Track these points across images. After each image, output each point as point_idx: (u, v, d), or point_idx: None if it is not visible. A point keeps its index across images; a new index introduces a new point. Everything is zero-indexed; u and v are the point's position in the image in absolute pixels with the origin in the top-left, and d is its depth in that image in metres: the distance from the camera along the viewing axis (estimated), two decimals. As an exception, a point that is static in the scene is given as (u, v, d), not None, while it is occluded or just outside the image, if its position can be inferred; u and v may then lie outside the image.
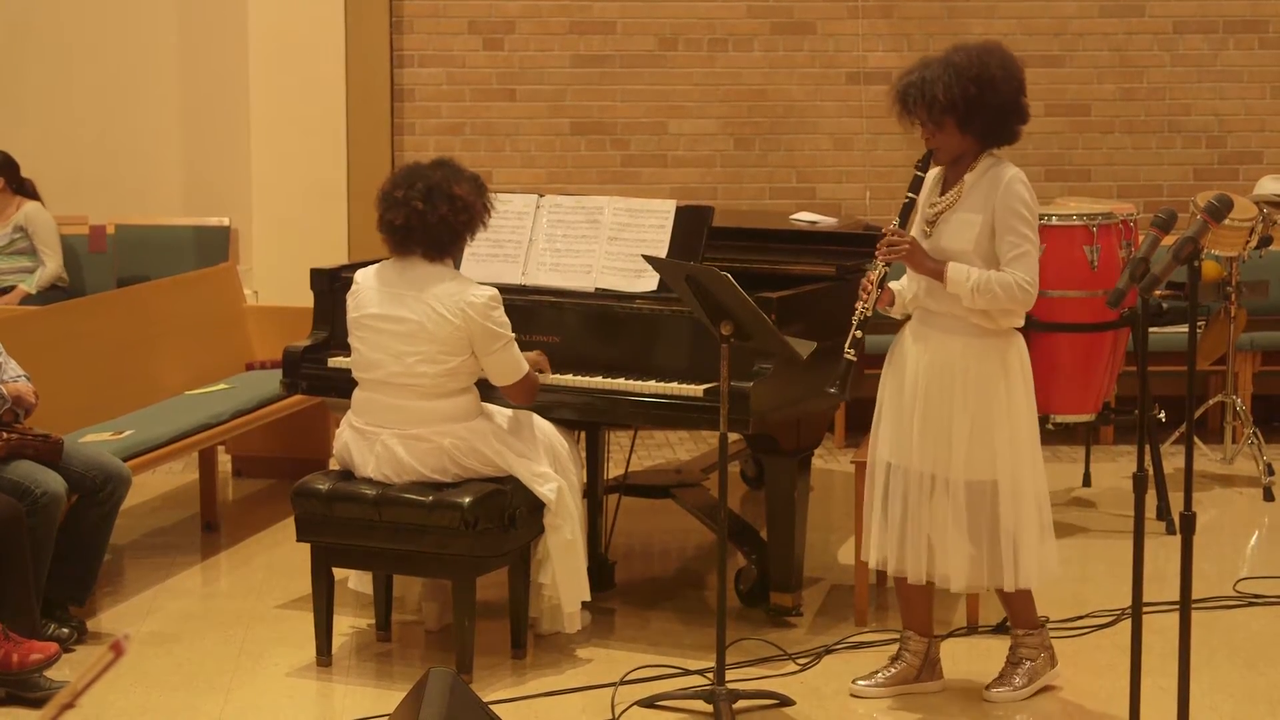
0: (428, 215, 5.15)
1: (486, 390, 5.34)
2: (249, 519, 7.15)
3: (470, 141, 8.97)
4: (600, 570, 5.94)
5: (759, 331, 4.85)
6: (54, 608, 5.49)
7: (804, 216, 6.76)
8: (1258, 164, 9.02)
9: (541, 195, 6.02)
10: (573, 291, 5.79)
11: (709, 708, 4.85)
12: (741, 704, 4.92)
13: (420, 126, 9.01)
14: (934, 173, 4.97)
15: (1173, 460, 7.36)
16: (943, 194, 4.94)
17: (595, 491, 6.01)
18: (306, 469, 5.99)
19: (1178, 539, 4.06)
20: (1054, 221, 6.69)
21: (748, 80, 9.05)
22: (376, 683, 5.23)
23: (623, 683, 5.09)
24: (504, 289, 5.33)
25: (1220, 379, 7.87)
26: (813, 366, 5.09)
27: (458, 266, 5.44)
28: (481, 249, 5.84)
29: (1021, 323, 4.94)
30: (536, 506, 5.29)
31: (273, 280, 8.66)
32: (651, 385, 5.49)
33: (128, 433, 6.25)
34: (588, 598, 5.46)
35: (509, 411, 5.37)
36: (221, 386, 7.20)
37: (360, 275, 5.34)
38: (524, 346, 5.31)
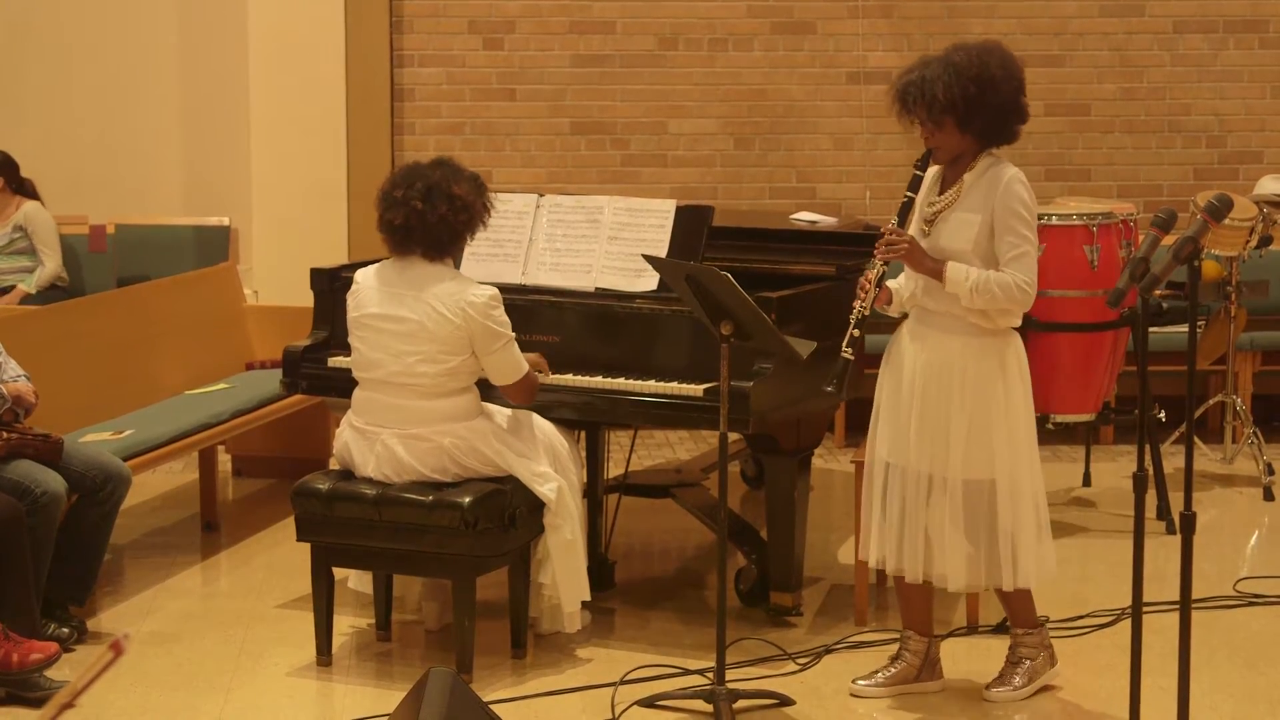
0: (427, 215, 5.15)
1: (486, 390, 5.34)
2: (249, 519, 7.15)
3: (470, 141, 8.97)
4: (600, 570, 5.94)
5: (759, 331, 4.85)
6: (54, 607, 5.49)
7: (804, 216, 6.76)
8: (1258, 164, 9.02)
9: (541, 195, 6.02)
10: (573, 291, 5.79)
11: (709, 707, 4.85)
12: (741, 704, 4.92)
13: (420, 126, 9.01)
14: (932, 172, 4.97)
15: (1173, 460, 7.36)
16: (941, 193, 4.94)
17: (595, 491, 6.01)
18: (306, 469, 5.99)
19: (1178, 539, 4.06)
20: (1054, 221, 6.69)
21: (748, 80, 9.05)
22: (376, 682, 5.24)
23: (623, 682, 5.09)
24: (504, 289, 5.33)
25: (1220, 379, 7.87)
26: (813, 366, 5.09)
27: (458, 266, 5.44)
28: (481, 249, 5.84)
29: (1019, 322, 4.95)
30: (536, 506, 5.29)
31: (273, 280, 8.66)
32: (651, 385, 5.49)
33: (128, 432, 6.25)
34: (588, 597, 5.46)
35: (509, 411, 5.37)
36: (221, 386, 7.20)
37: (360, 275, 5.34)
38: (524, 346, 5.31)
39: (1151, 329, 7.22)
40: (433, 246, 5.18)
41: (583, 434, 5.93)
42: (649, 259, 5.25)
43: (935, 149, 4.90)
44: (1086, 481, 7.54)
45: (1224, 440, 7.86)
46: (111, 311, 7.12)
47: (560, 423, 5.52)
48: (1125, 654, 4.32)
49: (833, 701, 5.05)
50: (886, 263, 4.87)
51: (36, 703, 4.93)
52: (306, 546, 5.37)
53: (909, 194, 4.90)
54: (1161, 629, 5.23)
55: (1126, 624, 4.70)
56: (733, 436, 5.08)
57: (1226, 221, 6.50)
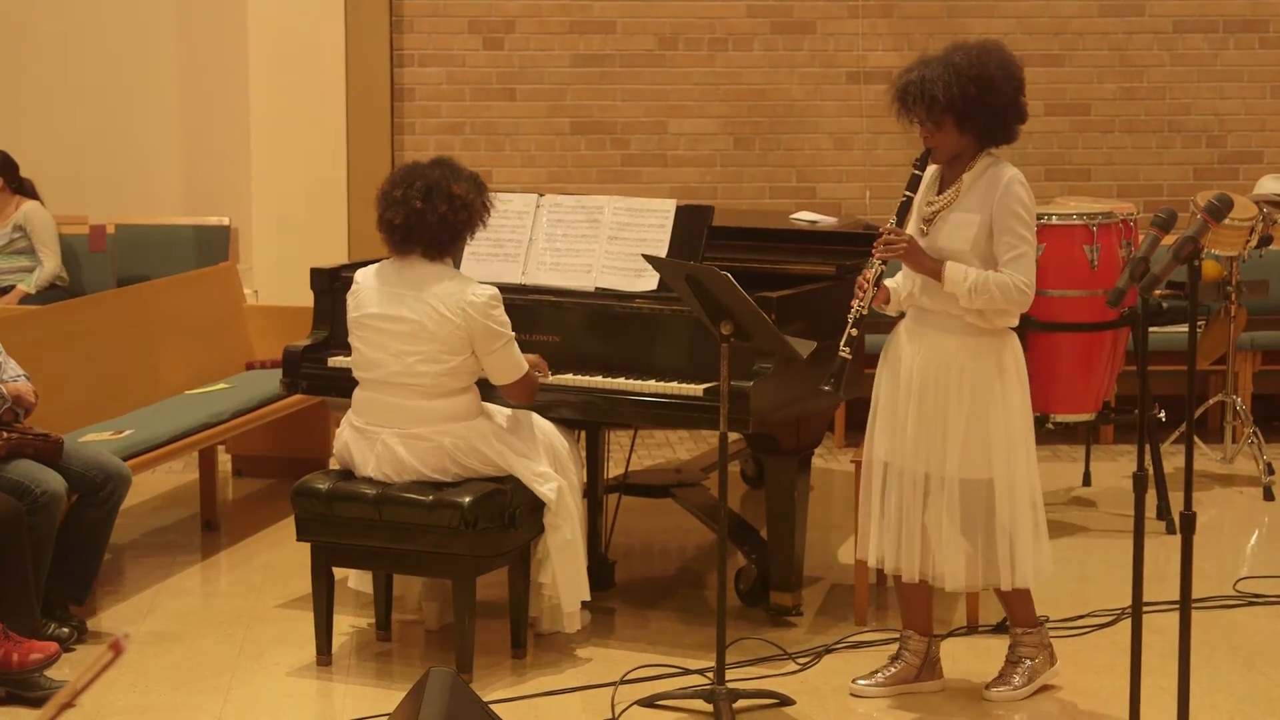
0: (427, 214, 5.15)
1: (486, 390, 5.34)
2: (249, 518, 7.15)
3: (470, 141, 8.97)
4: (600, 570, 5.94)
5: (759, 331, 4.85)
6: (54, 607, 5.49)
7: (804, 216, 6.76)
8: (1258, 163, 9.02)
9: (541, 195, 6.02)
10: (573, 291, 5.79)
11: (709, 707, 4.85)
12: (741, 703, 4.91)
13: (420, 126, 9.01)
14: (931, 171, 4.97)
15: (1173, 460, 7.36)
16: (940, 193, 4.94)
17: (595, 491, 6.01)
18: (306, 468, 5.99)
19: (1178, 538, 4.06)
20: (1054, 221, 6.70)
21: (748, 80, 9.06)
22: (376, 682, 5.23)
23: (623, 682, 5.09)
24: (504, 288, 5.33)
25: (1220, 378, 7.88)
26: (813, 366, 5.09)
27: (458, 266, 5.44)
28: (482, 248, 5.84)
29: (1016, 322, 4.95)
30: (536, 506, 5.29)
31: (273, 280, 8.67)
32: (651, 385, 5.49)
33: (128, 432, 6.25)
34: (587, 597, 5.46)
35: (509, 411, 5.37)
36: (221, 386, 7.20)
37: (360, 275, 5.34)
38: (524, 346, 5.31)
39: (1151, 329, 7.22)
40: (432, 246, 5.18)
41: (583, 434, 5.93)
42: (649, 259, 5.25)
43: (934, 148, 4.90)
44: (1086, 481, 7.54)
45: (1224, 440, 7.86)
46: (111, 311, 7.12)
47: (560, 422, 5.52)
48: (1125, 654, 4.32)
49: (833, 701, 5.05)
50: (885, 262, 4.87)
51: (36, 702, 4.93)
52: (306, 546, 5.37)
53: (907, 193, 4.90)
54: (1161, 629, 5.23)
55: (1126, 624, 4.70)
56: (733, 436, 5.08)
57: (1226, 221, 6.50)
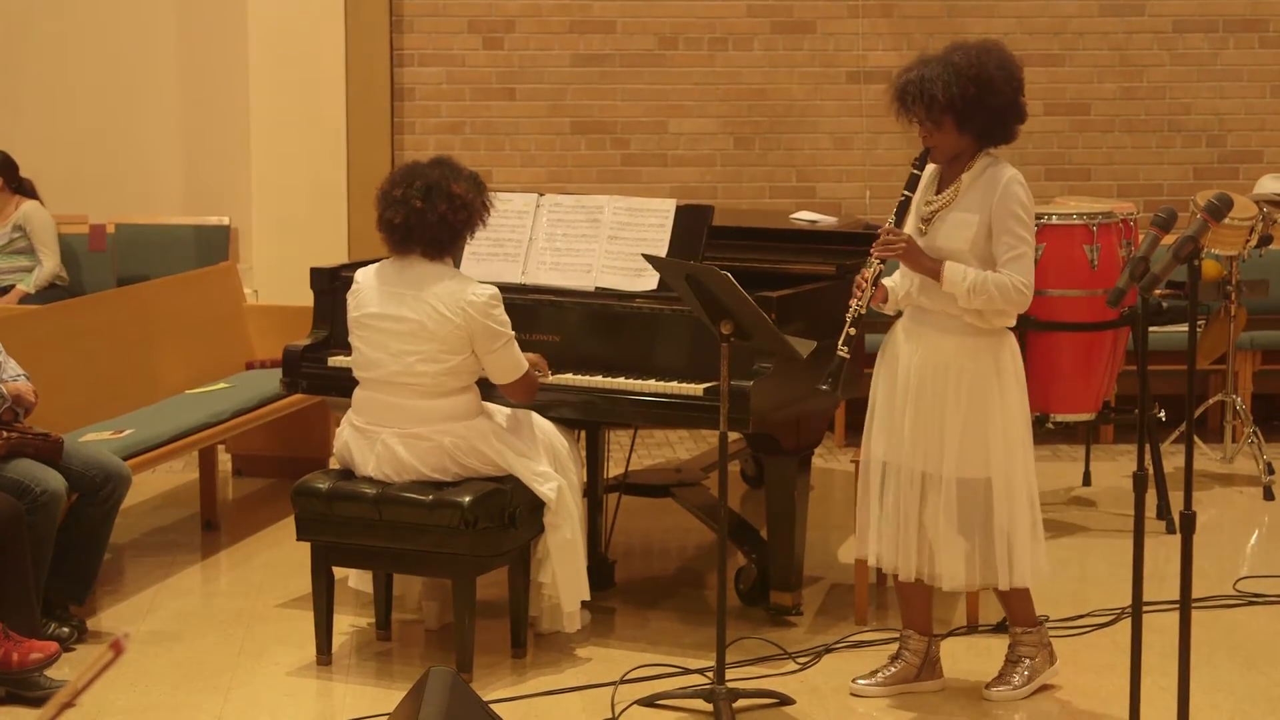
0: (427, 214, 5.14)
1: (486, 389, 5.34)
2: (249, 518, 7.15)
3: (470, 140, 8.97)
4: (600, 569, 5.94)
5: (759, 330, 4.85)
6: (54, 607, 5.49)
7: (804, 215, 6.76)
8: (1258, 163, 9.03)
9: (541, 194, 6.02)
10: (573, 290, 5.79)
11: (709, 707, 4.85)
12: (741, 703, 4.91)
13: (420, 125, 9.01)
14: (929, 170, 4.97)
15: (1173, 459, 7.36)
16: (939, 192, 4.94)
17: (595, 490, 6.01)
18: (307, 468, 5.99)
19: (1178, 538, 4.06)
20: (1054, 220, 6.70)
21: (748, 79, 9.06)
22: (376, 682, 5.23)
23: (622, 682, 5.09)
24: (504, 288, 5.33)
25: (1220, 378, 7.88)
26: (813, 365, 5.09)
27: (458, 265, 5.44)
28: (482, 248, 5.84)
29: (1013, 322, 4.95)
30: (536, 506, 5.29)
31: (273, 279, 8.67)
32: (651, 384, 5.49)
33: (128, 432, 6.25)
34: (587, 597, 5.46)
35: (509, 410, 5.37)
36: (221, 385, 7.20)
37: (360, 274, 5.34)
38: (524, 346, 5.31)
39: (1151, 328, 7.22)
40: (432, 245, 5.18)
41: (583, 433, 5.93)
42: (649, 258, 5.24)
43: (933, 148, 4.90)
44: (1086, 481, 7.54)
45: (1224, 439, 7.86)
46: (111, 311, 7.12)
47: (560, 422, 5.52)
48: (1125, 653, 4.32)
49: (833, 701, 5.05)
50: (883, 261, 4.87)
51: (36, 702, 4.93)
52: (306, 546, 5.37)
53: (906, 193, 4.90)
54: (1161, 628, 5.23)
55: (1126, 623, 4.70)
56: (733, 436, 5.08)
57: (1226, 221, 6.50)
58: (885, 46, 8.97)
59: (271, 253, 8.86)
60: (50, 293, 8.40)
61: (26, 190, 8.63)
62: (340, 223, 8.89)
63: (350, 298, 5.33)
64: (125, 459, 5.84)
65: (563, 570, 5.35)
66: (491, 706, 4.40)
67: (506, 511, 5.19)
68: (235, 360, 7.63)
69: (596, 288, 5.79)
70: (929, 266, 4.84)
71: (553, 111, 9.03)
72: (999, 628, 5.46)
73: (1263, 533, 7.03)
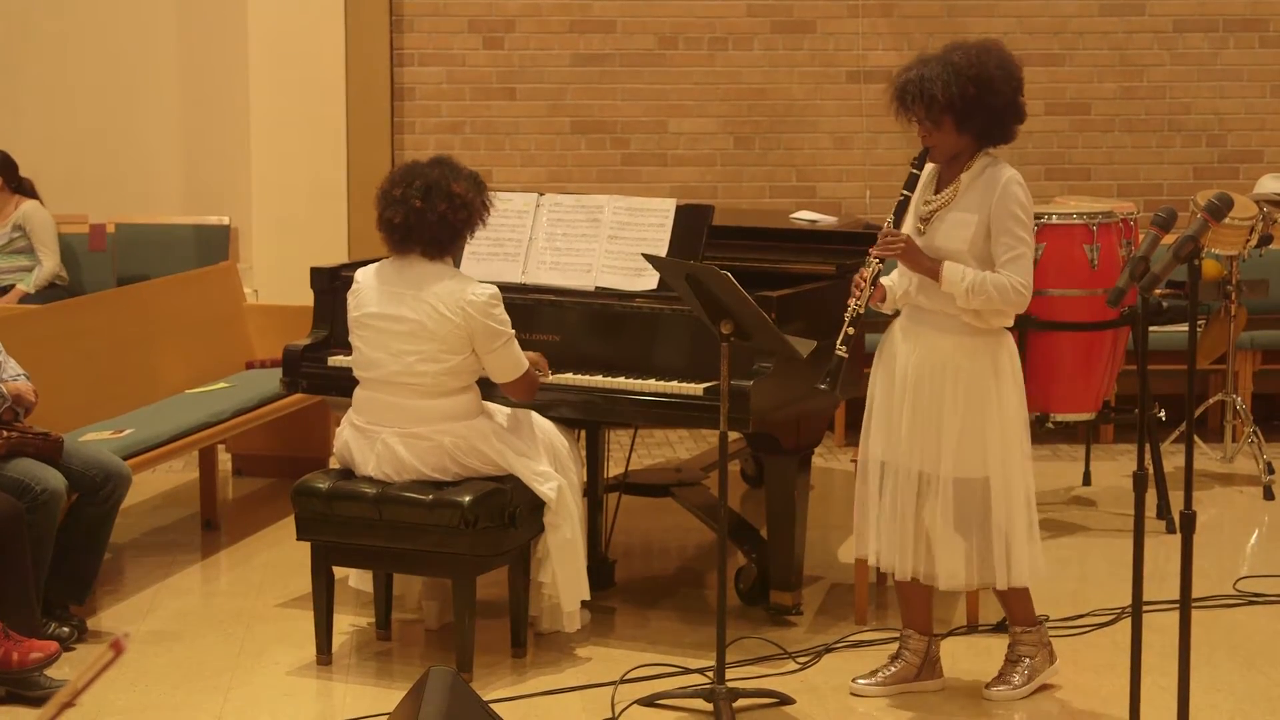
0: (426, 213, 5.14)
1: (487, 389, 5.34)
2: (249, 517, 7.15)
3: (470, 140, 8.97)
4: (600, 569, 5.94)
5: (759, 330, 4.85)
6: (54, 606, 5.49)
7: (804, 215, 6.76)
8: (1258, 162, 9.03)
9: (541, 194, 6.02)
10: (573, 290, 5.79)
11: (709, 706, 4.85)
12: (741, 702, 4.91)
13: (420, 125, 9.01)
14: (927, 170, 4.97)
15: (1173, 459, 7.36)
16: (937, 192, 4.94)
17: (595, 490, 6.01)
18: (307, 467, 5.99)
19: (1178, 538, 4.06)
20: (1054, 220, 6.70)
21: (748, 79, 9.06)
22: (376, 681, 5.23)
23: (622, 681, 5.09)
24: (504, 287, 5.33)
25: (1220, 378, 7.88)
26: (813, 365, 5.09)
27: (458, 265, 5.44)
28: (482, 248, 5.84)
29: (1011, 322, 4.95)
30: (536, 505, 5.29)
31: (273, 279, 8.67)
32: (651, 384, 5.49)
33: (128, 431, 6.25)
34: (587, 596, 5.46)
35: (509, 410, 5.37)
36: (221, 385, 7.20)
37: (360, 274, 5.34)
38: (524, 345, 5.31)
39: (1151, 328, 7.22)
40: (432, 245, 5.18)
41: (583, 433, 5.93)
42: (649, 258, 5.24)
43: (932, 147, 4.90)
44: (1086, 480, 7.54)
45: (1224, 439, 7.86)
46: (111, 310, 7.12)
47: (560, 422, 5.52)
48: (1125, 653, 4.32)
49: (833, 700, 5.05)
50: (882, 261, 4.87)
51: (36, 702, 4.93)
52: (306, 545, 5.37)
53: (905, 192, 4.90)
54: (1161, 628, 5.22)
55: (1126, 623, 4.70)
56: (733, 435, 5.08)
57: (1226, 220, 6.50)
58: (885, 46, 8.97)
59: (271, 252, 8.87)
60: (50, 292, 8.40)
61: (26, 190, 8.63)
62: (340, 222, 8.89)
63: (350, 297, 5.33)
64: (125, 459, 5.84)
65: (563, 570, 5.35)
66: (491, 706, 4.40)
67: (506, 511, 5.19)
68: (235, 360, 7.63)
69: (596, 287, 5.79)
70: (928, 266, 4.84)
71: (553, 111, 9.03)
72: (999, 627, 5.46)
73: (1263, 532, 7.03)
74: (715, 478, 5.21)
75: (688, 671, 5.17)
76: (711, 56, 9.04)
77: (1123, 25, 9.08)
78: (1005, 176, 4.85)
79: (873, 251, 4.87)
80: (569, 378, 5.57)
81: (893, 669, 5.11)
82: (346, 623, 5.65)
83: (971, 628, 5.60)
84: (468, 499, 5.11)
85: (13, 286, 8.47)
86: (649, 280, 5.68)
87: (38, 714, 4.83)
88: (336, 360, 5.82)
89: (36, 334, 6.36)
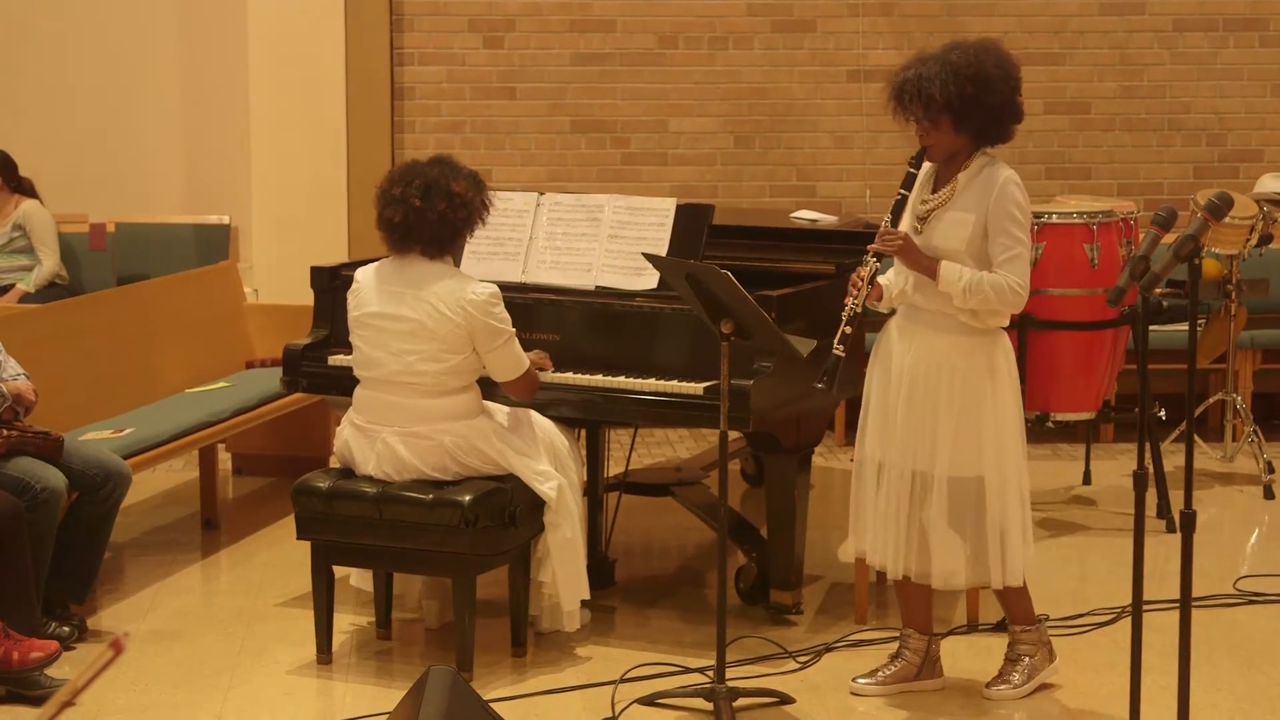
0: (426, 212, 5.14)
1: (487, 388, 5.34)
2: (249, 517, 7.15)
3: (470, 139, 8.97)
4: (600, 568, 5.94)
5: (759, 329, 4.85)
6: (54, 605, 5.50)
7: (804, 215, 6.77)
8: (1258, 162, 9.03)
9: (542, 193, 6.02)
10: (573, 289, 5.79)
11: (709, 706, 4.85)
12: (741, 702, 4.91)
13: (420, 124, 9.01)
14: (925, 169, 4.96)
15: (1173, 458, 7.36)
16: (935, 191, 4.94)
17: (595, 489, 6.01)
18: (307, 467, 5.99)
19: (1178, 537, 4.06)
20: (1054, 219, 6.70)
21: (748, 78, 9.05)
22: (376, 680, 5.23)
23: (623, 681, 5.09)
24: (504, 287, 5.33)
25: (1220, 377, 7.88)
26: (813, 364, 5.09)
27: (458, 264, 5.44)
28: (482, 247, 5.84)
29: (1007, 322, 4.95)
30: (537, 504, 5.29)
31: (273, 278, 8.67)
32: (652, 383, 5.49)
33: (128, 430, 6.25)
34: (587, 596, 5.46)
35: (509, 409, 5.37)
36: (222, 384, 7.20)
37: (360, 274, 5.34)
38: (524, 344, 5.31)
39: (1152, 327, 7.22)
40: (431, 244, 5.18)
41: (583, 432, 5.93)
42: (649, 257, 5.24)
43: (930, 147, 4.90)
44: (1087, 480, 7.54)
45: (1224, 438, 7.87)
46: (111, 310, 7.12)
47: (560, 421, 5.52)
48: (1125, 652, 4.32)
49: (833, 700, 5.05)
50: (880, 260, 4.87)
51: (37, 701, 4.93)
52: (307, 544, 5.37)
53: (902, 191, 4.90)
54: (1161, 627, 5.22)
55: (1126, 622, 4.70)
56: (733, 435, 5.08)
57: (1227, 220, 6.51)
58: (885, 45, 8.97)
59: (271, 252, 8.86)
60: (50, 292, 8.40)
61: (26, 189, 8.63)
62: (340, 222, 8.89)
63: (350, 297, 5.33)
64: (125, 458, 5.84)
65: (563, 569, 5.35)
66: (492, 705, 4.40)
67: (507, 510, 5.19)
68: (235, 359, 7.63)
69: (597, 286, 5.79)
70: (925, 265, 4.84)
71: (553, 110, 9.03)
72: (999, 627, 5.45)
73: (1263, 532, 7.03)
74: (715, 477, 5.21)
75: (688, 671, 5.17)
76: (712, 56, 9.04)
77: (1123, 24, 9.08)
78: (1003, 176, 4.85)
79: (870, 247, 4.87)
80: (569, 377, 5.57)
81: (893, 668, 5.11)
82: (347, 622, 5.65)
83: (971, 627, 5.60)
84: (468, 498, 5.11)
85: (13, 286, 8.47)
86: (649, 279, 5.68)
87: (38, 713, 4.83)
88: (336, 359, 5.82)
89: (36, 333, 6.36)
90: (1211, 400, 7.85)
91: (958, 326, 4.86)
